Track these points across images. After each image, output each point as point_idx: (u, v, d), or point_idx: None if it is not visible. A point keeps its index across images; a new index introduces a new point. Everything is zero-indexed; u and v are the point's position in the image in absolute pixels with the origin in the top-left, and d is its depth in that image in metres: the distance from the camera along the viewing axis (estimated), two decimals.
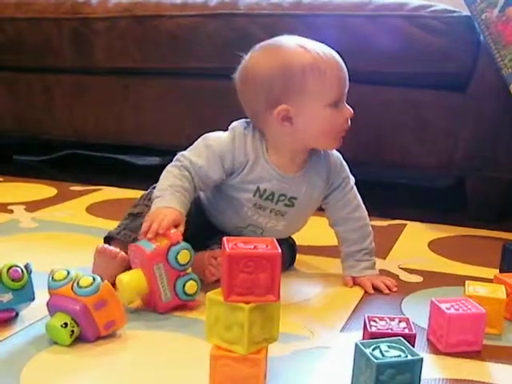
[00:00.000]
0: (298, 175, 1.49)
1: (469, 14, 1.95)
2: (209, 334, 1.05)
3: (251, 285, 1.01)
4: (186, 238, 1.48)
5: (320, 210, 1.57)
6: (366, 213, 1.57)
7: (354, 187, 1.56)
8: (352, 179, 1.57)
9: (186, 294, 1.34)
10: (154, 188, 1.60)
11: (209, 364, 1.04)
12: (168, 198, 1.40)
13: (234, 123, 1.50)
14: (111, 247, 1.46)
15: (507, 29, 1.86)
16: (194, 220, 1.52)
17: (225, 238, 1.05)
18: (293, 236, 1.62)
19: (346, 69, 1.46)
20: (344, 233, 1.56)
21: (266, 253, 1.02)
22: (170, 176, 1.44)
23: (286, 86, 1.42)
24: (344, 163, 1.56)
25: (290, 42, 1.47)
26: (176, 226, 1.37)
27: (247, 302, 1.01)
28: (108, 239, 1.52)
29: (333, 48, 1.46)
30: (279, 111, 1.43)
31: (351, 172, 1.56)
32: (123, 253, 1.44)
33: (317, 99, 1.43)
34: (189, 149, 1.49)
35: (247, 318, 1.00)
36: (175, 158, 1.48)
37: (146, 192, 1.60)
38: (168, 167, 1.47)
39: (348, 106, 1.46)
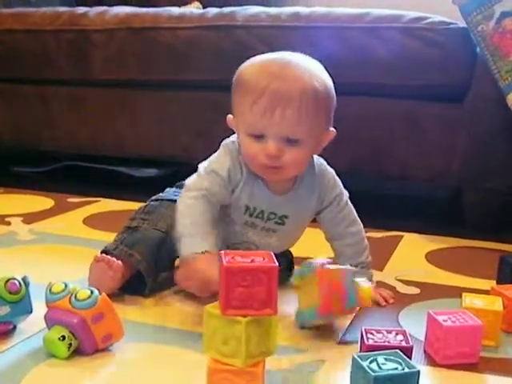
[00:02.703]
0: (287, 195, 1.46)
1: (465, 26, 1.96)
2: (206, 347, 1.05)
3: (248, 298, 1.01)
4: None
5: (316, 222, 1.57)
6: (362, 226, 1.55)
7: (349, 202, 1.54)
8: (346, 194, 1.53)
9: None
10: (153, 201, 1.60)
11: (206, 377, 1.04)
12: (205, 239, 1.35)
13: (226, 141, 1.47)
14: (108, 256, 1.46)
15: (503, 41, 1.87)
16: None
17: (222, 252, 1.06)
18: (290, 248, 1.62)
19: (291, 103, 1.31)
20: (341, 247, 1.54)
21: (263, 266, 1.02)
22: (196, 212, 1.38)
23: (231, 95, 1.42)
24: (337, 180, 1.52)
25: (261, 55, 1.43)
26: None
27: (244, 316, 1.01)
28: (104, 254, 1.50)
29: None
30: (227, 119, 1.44)
31: (348, 183, 1.56)
32: (120, 262, 1.44)
33: (240, 121, 1.40)
34: (195, 177, 1.44)
35: (244, 331, 1.01)
36: (188, 187, 1.42)
37: (144, 205, 1.60)
38: (188, 200, 1.39)
39: (275, 145, 1.33)
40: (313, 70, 1.37)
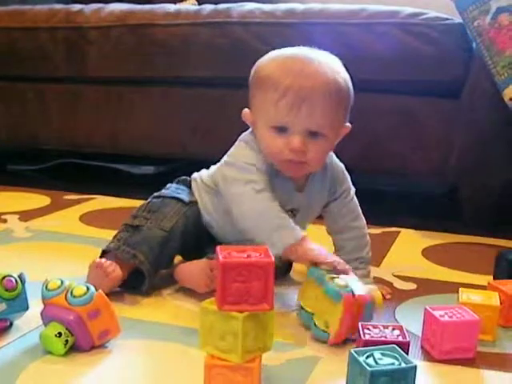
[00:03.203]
0: (305, 190, 1.48)
1: (461, 21, 1.96)
2: (203, 342, 1.05)
3: (245, 293, 1.01)
4: (185, 246, 1.49)
5: (318, 218, 1.57)
6: (365, 222, 1.56)
7: (355, 197, 1.55)
8: (352, 189, 1.55)
9: None
10: (155, 198, 1.58)
11: (203, 373, 1.04)
12: (290, 228, 1.35)
13: (246, 137, 1.46)
14: (108, 262, 1.43)
15: (499, 36, 1.87)
16: (193, 228, 1.52)
17: (218, 247, 1.06)
18: None
19: (316, 98, 1.33)
20: (342, 241, 1.55)
21: (260, 261, 1.02)
22: (269, 203, 1.36)
23: (250, 91, 1.43)
24: (346, 174, 1.54)
25: (277, 50, 1.44)
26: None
27: (241, 311, 1.01)
28: (107, 252, 1.48)
29: None
30: (243, 113, 1.44)
31: None
32: (118, 270, 1.43)
33: (262, 116, 1.40)
34: (238, 170, 1.41)
35: (241, 326, 1.01)
36: (242, 180, 1.38)
37: (146, 202, 1.58)
38: (256, 194, 1.36)
39: (300, 139, 1.35)
40: (334, 66, 1.39)
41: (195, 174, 1.61)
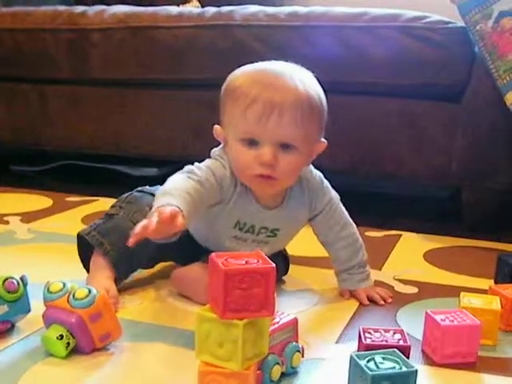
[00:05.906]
0: (278, 209, 1.44)
1: (464, 25, 1.96)
2: (199, 351, 1.05)
3: (246, 301, 1.00)
4: (174, 253, 1.48)
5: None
6: (355, 227, 1.54)
7: (340, 205, 1.52)
8: (336, 198, 1.51)
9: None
10: (138, 191, 1.56)
11: (197, 379, 1.04)
12: (170, 198, 1.24)
13: (216, 152, 1.43)
14: (112, 299, 1.35)
15: (502, 40, 1.87)
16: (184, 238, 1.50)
17: (213, 255, 1.05)
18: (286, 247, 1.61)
19: (286, 107, 1.30)
20: (336, 251, 1.54)
21: (262, 267, 1.01)
22: (183, 183, 1.31)
23: (220, 105, 1.40)
24: (326, 184, 1.50)
25: (250, 64, 1.40)
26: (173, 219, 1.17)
27: (242, 318, 1.00)
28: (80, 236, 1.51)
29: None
30: (214, 129, 1.41)
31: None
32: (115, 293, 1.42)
33: (232, 129, 1.36)
34: (191, 166, 1.38)
35: (241, 334, 1.00)
36: (187, 169, 1.36)
37: (126, 194, 1.57)
38: (180, 175, 1.34)
39: (270, 151, 1.31)
40: (306, 81, 1.35)
41: None
